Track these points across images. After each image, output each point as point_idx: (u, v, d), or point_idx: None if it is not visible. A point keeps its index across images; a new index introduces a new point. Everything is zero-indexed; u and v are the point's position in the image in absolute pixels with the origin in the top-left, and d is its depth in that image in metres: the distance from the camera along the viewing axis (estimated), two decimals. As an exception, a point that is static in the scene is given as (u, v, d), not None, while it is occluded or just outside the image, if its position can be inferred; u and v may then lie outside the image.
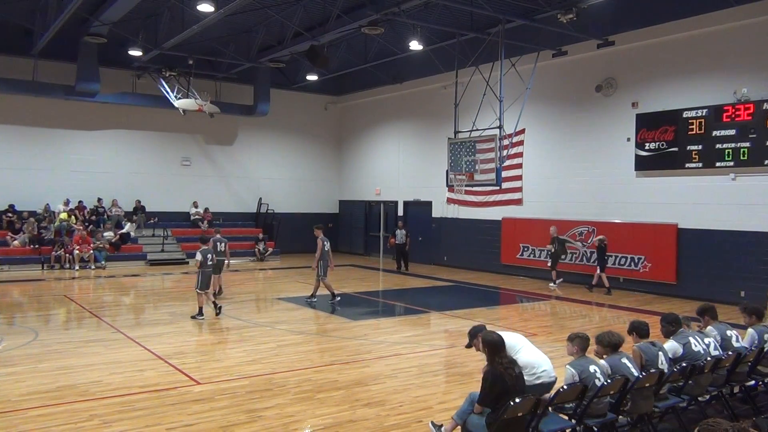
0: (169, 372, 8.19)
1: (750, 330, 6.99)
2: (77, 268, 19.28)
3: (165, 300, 14.66)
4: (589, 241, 16.76)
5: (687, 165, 14.87)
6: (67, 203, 21.16)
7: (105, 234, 20.71)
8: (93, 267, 19.59)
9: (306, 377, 7.97)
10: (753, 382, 6.79)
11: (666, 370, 5.81)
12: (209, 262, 12.04)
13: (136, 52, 19.52)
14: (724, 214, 14.37)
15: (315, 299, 13.85)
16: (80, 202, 21.55)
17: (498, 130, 15.06)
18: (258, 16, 18.00)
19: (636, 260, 16.01)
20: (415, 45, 17.82)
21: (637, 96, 16.05)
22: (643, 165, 15.82)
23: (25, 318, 12.50)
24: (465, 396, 5.54)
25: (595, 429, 5.53)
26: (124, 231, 21.35)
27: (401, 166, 23.89)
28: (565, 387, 5.17)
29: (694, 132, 14.70)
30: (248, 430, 6.12)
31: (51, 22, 16.35)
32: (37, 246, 19.45)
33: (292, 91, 25.07)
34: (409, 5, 14.65)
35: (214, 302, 12.07)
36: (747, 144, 13.82)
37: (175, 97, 20.68)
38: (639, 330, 6.14)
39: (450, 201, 21.14)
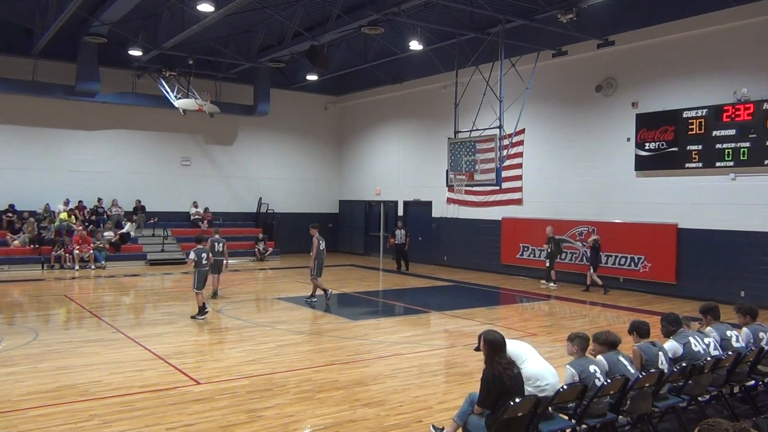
0: (169, 372, 8.19)
1: (744, 329, 7.01)
2: (77, 268, 19.28)
3: (165, 300, 14.66)
4: (588, 241, 16.75)
5: (687, 165, 14.88)
6: (67, 203, 21.16)
7: (105, 234, 20.71)
8: (93, 267, 19.59)
9: (306, 377, 7.97)
10: (753, 382, 6.80)
11: (666, 370, 5.81)
12: (204, 261, 12.04)
13: (136, 52, 19.53)
14: (724, 214, 14.37)
15: (315, 299, 13.84)
16: (80, 202, 21.55)
17: (498, 130, 15.06)
18: (258, 16, 18.00)
19: (636, 260, 16.01)
20: (415, 45, 17.83)
21: (637, 96, 16.05)
22: (643, 165, 15.82)
23: (25, 318, 12.50)
24: (465, 396, 5.54)
25: (596, 427, 5.53)
26: (124, 231, 21.35)
27: (401, 166, 23.90)
28: (565, 387, 5.17)
29: (694, 132, 14.70)
30: (248, 430, 6.12)
31: (51, 22, 16.35)
32: (37, 246, 19.45)
33: (292, 91, 25.07)
34: (409, 5, 14.65)
35: (204, 304, 11.98)
36: (747, 144, 13.82)
37: (175, 97, 20.68)
38: (639, 330, 6.15)
39: (450, 201, 21.14)
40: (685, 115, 14.86)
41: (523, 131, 17.99)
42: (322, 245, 13.78)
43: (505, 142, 15.55)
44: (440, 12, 16.50)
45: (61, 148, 21.50)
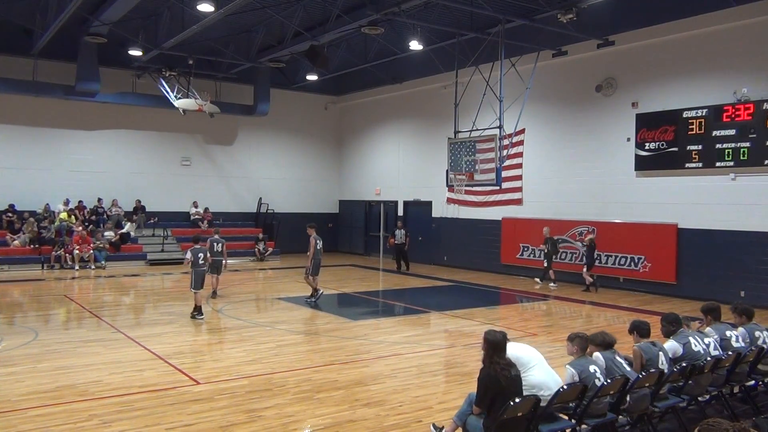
0: (168, 372, 8.18)
1: (740, 329, 7.02)
2: (77, 268, 19.28)
3: (165, 300, 14.65)
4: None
5: (687, 165, 14.87)
6: (67, 203, 21.16)
7: (105, 234, 20.71)
8: (93, 267, 19.59)
9: (305, 377, 7.97)
10: (753, 382, 6.80)
11: (666, 370, 5.81)
12: (201, 262, 12.04)
13: (136, 52, 19.53)
14: (724, 214, 14.36)
15: (315, 299, 13.83)
16: (80, 202, 21.55)
17: (498, 130, 15.06)
18: (258, 16, 18.00)
19: (636, 260, 16.00)
20: (415, 45, 17.83)
21: (637, 96, 16.05)
22: (643, 165, 15.81)
23: (25, 318, 12.50)
24: (465, 396, 5.54)
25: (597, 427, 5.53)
26: (124, 231, 21.35)
27: (401, 166, 23.89)
28: (565, 387, 5.16)
29: (694, 132, 14.70)
30: (248, 430, 6.12)
31: (51, 22, 16.35)
32: (37, 246, 19.45)
33: (292, 91, 25.07)
34: (409, 5, 14.64)
35: (199, 306, 11.95)
36: (747, 144, 13.81)
37: (175, 97, 20.68)
38: (640, 329, 6.15)
39: (450, 201, 21.13)
40: (685, 115, 14.86)
41: (523, 131, 17.99)
42: (319, 245, 13.79)
43: (505, 142, 15.55)
44: (440, 12, 16.50)
45: (61, 148, 21.50)
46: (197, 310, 11.83)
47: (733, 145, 14.04)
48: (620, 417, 5.69)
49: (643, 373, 5.61)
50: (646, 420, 5.83)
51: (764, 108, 13.52)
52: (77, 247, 19.51)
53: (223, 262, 14.31)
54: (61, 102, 20.90)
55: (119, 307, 14.07)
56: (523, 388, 5.18)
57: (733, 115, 14.02)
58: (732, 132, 14.04)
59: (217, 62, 21.89)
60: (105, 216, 21.79)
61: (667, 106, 15.31)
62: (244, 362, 8.72)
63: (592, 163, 17.13)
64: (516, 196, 19.10)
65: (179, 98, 20.65)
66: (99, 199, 21.97)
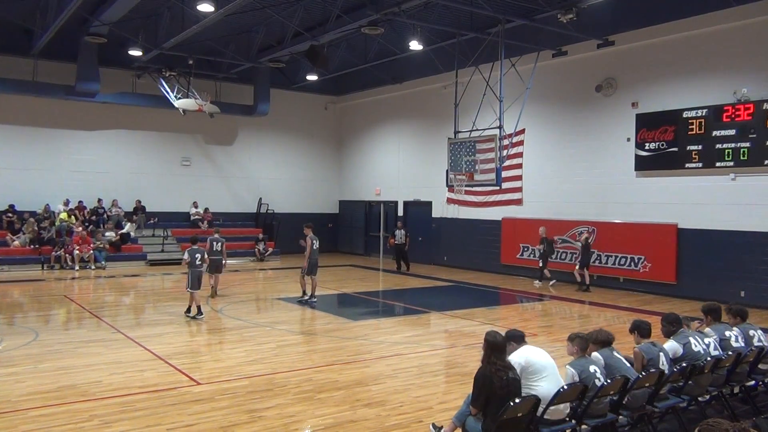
0: (169, 372, 8.19)
1: (735, 329, 7.03)
2: (77, 268, 19.29)
3: (165, 300, 14.65)
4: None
5: (687, 165, 14.88)
6: (67, 203, 21.16)
7: (106, 234, 20.72)
8: (93, 267, 19.59)
9: (306, 377, 7.98)
10: (753, 382, 6.81)
11: (666, 371, 5.82)
12: (198, 262, 12.05)
13: (136, 52, 19.53)
14: (724, 214, 14.37)
15: (315, 299, 13.84)
16: (80, 202, 21.55)
17: (498, 130, 15.06)
18: (258, 16, 18.00)
19: (636, 260, 16.01)
20: (415, 45, 17.83)
21: (637, 96, 16.06)
22: (643, 165, 15.82)
23: (26, 318, 12.50)
24: (465, 396, 5.54)
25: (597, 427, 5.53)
26: (124, 231, 21.35)
27: (401, 166, 23.90)
28: (565, 387, 5.17)
29: (694, 132, 14.70)
30: (249, 431, 6.12)
31: (51, 22, 16.35)
32: (37, 246, 19.45)
33: (292, 91, 25.07)
34: (409, 5, 14.65)
35: (199, 307, 11.97)
36: (747, 144, 13.82)
37: (175, 97, 20.69)
38: (641, 329, 6.15)
39: (450, 201, 21.14)
40: (685, 115, 14.87)
41: (523, 131, 17.99)
42: (316, 245, 13.80)
43: (505, 142, 15.55)
44: (440, 12, 16.50)
45: (61, 148, 21.50)
46: (197, 310, 11.83)
47: (733, 145, 14.05)
48: (620, 417, 5.69)
49: (644, 373, 5.61)
50: (646, 420, 5.84)
51: (764, 108, 13.53)
52: (77, 247, 19.52)
53: (223, 261, 14.36)
54: (61, 102, 20.90)
55: (119, 308, 14.08)
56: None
57: (733, 115, 14.02)
58: (732, 132, 14.05)
59: (217, 62, 21.89)
60: (105, 216, 21.79)
61: (667, 106, 15.32)
62: (244, 362, 8.73)
63: (592, 163, 17.14)
64: (516, 196, 19.11)
65: (179, 98, 20.66)
66: (99, 200, 21.97)
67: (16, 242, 19.58)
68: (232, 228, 23.39)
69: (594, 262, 16.64)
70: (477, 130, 15.63)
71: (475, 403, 5.11)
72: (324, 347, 9.92)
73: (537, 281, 17.15)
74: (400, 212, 23.63)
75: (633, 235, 16.03)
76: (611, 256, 16.49)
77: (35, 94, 20.23)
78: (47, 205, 21.00)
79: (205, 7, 14.71)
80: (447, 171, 16.36)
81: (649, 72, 15.86)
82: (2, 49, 19.53)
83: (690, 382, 6.01)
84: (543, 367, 5.32)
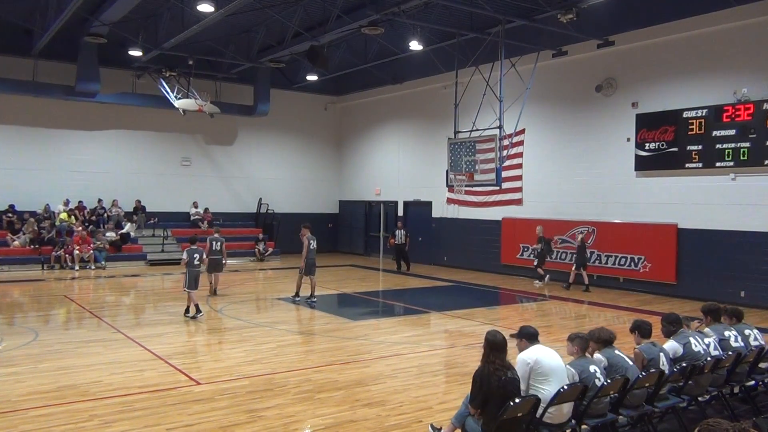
0: (169, 372, 8.19)
1: (733, 329, 7.04)
2: (77, 268, 19.29)
3: (165, 300, 14.64)
4: (589, 241, 16.79)
5: (687, 165, 14.88)
6: (67, 203, 21.16)
7: (107, 234, 20.72)
8: (93, 267, 19.59)
9: (306, 377, 7.98)
10: (753, 382, 6.81)
11: (667, 371, 5.82)
12: (196, 262, 12.07)
13: (136, 52, 19.53)
14: (724, 214, 14.37)
15: (315, 299, 13.85)
16: (80, 202, 21.55)
17: (498, 130, 15.07)
18: (258, 16, 18.00)
19: (636, 260, 16.01)
20: (415, 45, 17.83)
21: (637, 96, 16.06)
22: (643, 165, 15.82)
23: (26, 318, 12.50)
24: (464, 396, 5.53)
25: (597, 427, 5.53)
26: (124, 231, 21.35)
27: (401, 166, 23.90)
28: (565, 387, 5.17)
29: (694, 132, 14.70)
30: (248, 430, 6.13)
31: (51, 22, 16.35)
32: (37, 246, 19.45)
33: (292, 91, 25.07)
34: (409, 5, 14.65)
35: (197, 305, 12.02)
36: (747, 144, 13.82)
37: (175, 97, 20.68)
38: (641, 329, 6.15)
39: (450, 201, 21.14)
40: (685, 115, 14.87)
41: (523, 131, 17.99)
42: (313, 245, 13.81)
43: (505, 142, 15.55)
44: (440, 12, 16.50)
45: (61, 148, 21.50)
46: (196, 309, 11.86)
47: (733, 145, 14.04)
48: (620, 417, 5.69)
49: (644, 373, 5.61)
50: (646, 420, 5.84)
51: (764, 108, 13.53)
52: (77, 247, 19.52)
53: (223, 261, 14.38)
54: (61, 102, 20.90)
55: (119, 308, 14.08)
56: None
57: (733, 115, 14.02)
58: (732, 132, 14.05)
59: (217, 62, 21.89)
60: (105, 216, 21.78)
61: (667, 106, 15.32)
62: (244, 362, 8.73)
63: (592, 163, 17.14)
64: (516, 196, 19.11)
65: (179, 98, 20.66)
66: (99, 200, 21.97)
67: (16, 242, 19.59)
68: (232, 228, 23.39)
69: (594, 262, 16.67)
70: (477, 130, 15.63)
71: (473, 403, 5.10)
72: (324, 347, 9.92)
73: (537, 281, 17.17)
74: (400, 212, 23.63)
75: (633, 235, 16.03)
76: (611, 256, 16.49)
77: (35, 94, 20.22)
78: (47, 205, 21.00)
79: (205, 7, 14.71)
80: (447, 171, 16.37)
81: (649, 72, 15.86)
82: (2, 49, 19.53)
83: (690, 382, 6.01)
84: (551, 371, 5.20)
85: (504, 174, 16.06)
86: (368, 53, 20.40)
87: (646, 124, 15.65)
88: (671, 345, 6.27)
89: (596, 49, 16.68)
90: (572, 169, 17.63)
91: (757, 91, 13.73)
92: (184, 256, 12.15)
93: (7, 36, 19.24)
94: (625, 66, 16.37)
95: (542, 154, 18.45)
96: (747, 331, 6.99)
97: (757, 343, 6.87)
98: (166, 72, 20.98)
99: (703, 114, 14.56)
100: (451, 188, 17.42)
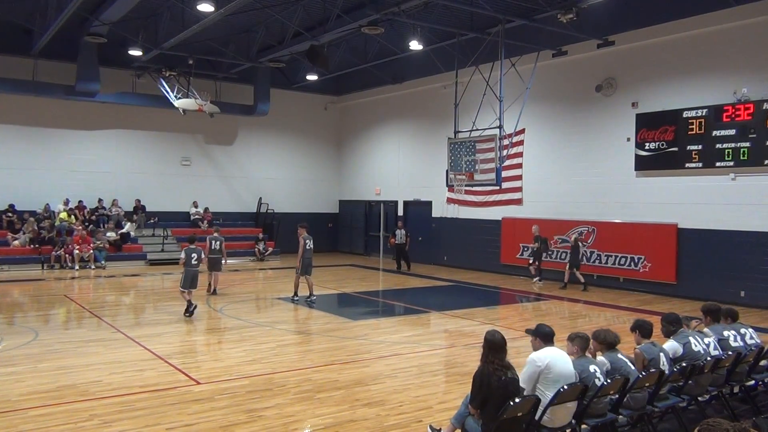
0: (169, 372, 8.19)
1: (732, 329, 7.04)
2: (77, 268, 19.28)
3: (165, 300, 14.64)
4: (589, 241, 16.80)
5: (687, 165, 14.88)
6: (66, 203, 21.16)
7: (107, 234, 20.72)
8: (93, 267, 19.59)
9: (306, 377, 7.97)
10: (753, 382, 6.81)
11: (667, 371, 5.82)
12: (194, 261, 12.09)
13: (136, 52, 19.53)
14: (724, 214, 14.37)
15: (314, 297, 13.86)
16: (80, 201, 21.55)
17: (498, 130, 15.07)
18: (258, 16, 18.00)
19: (636, 260, 16.01)
20: (415, 45, 17.82)
21: (637, 96, 16.05)
22: (643, 165, 15.82)
23: (25, 318, 12.50)
24: (464, 396, 5.53)
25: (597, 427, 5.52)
26: (124, 231, 21.35)
27: (401, 166, 23.90)
28: (565, 387, 5.16)
29: (694, 132, 14.70)
30: (248, 430, 6.12)
31: (51, 22, 16.35)
32: (37, 246, 19.45)
33: (292, 91, 25.07)
34: (409, 5, 14.65)
35: (189, 301, 12.04)
36: (747, 144, 13.82)
37: (175, 97, 20.68)
38: (642, 329, 6.14)
39: (450, 201, 21.14)
40: (685, 115, 14.86)
41: (523, 131, 17.99)
42: (309, 244, 13.81)
43: (505, 142, 15.55)
44: (440, 12, 16.49)
45: (61, 148, 21.50)
46: (188, 304, 11.89)
47: (733, 145, 14.04)
48: (620, 417, 5.69)
49: (644, 373, 5.61)
50: (646, 420, 5.83)
51: (764, 108, 13.52)
52: (77, 247, 19.52)
53: (223, 260, 14.39)
54: (61, 102, 20.90)
55: (119, 307, 14.07)
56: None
57: (733, 115, 14.02)
58: (732, 132, 14.04)
59: (217, 62, 21.89)
60: (106, 216, 21.78)
61: (667, 106, 15.32)
62: (244, 362, 8.72)
63: (591, 163, 17.14)
64: (516, 196, 19.11)
65: (179, 98, 20.66)
66: (100, 200, 21.97)
67: (16, 242, 19.59)
68: (232, 228, 23.40)
69: (594, 261, 16.69)
70: (477, 130, 15.63)
71: (473, 403, 5.09)
72: (323, 347, 9.92)
73: (537, 281, 17.17)
74: (400, 212, 23.63)
75: (633, 235, 16.03)
76: (611, 256, 16.49)
77: (35, 94, 20.22)
78: (47, 204, 21.00)
79: (205, 7, 14.71)
80: (447, 171, 16.37)
81: (649, 72, 15.85)
82: (2, 49, 19.53)
83: (690, 381, 6.01)
84: (561, 378, 5.11)
85: (504, 174, 16.07)
86: (368, 53, 20.40)
87: (646, 123, 15.65)
88: (671, 345, 6.27)
89: (596, 49, 16.67)
90: (572, 169, 17.63)
91: (757, 91, 13.72)
92: (182, 255, 12.20)
93: (7, 36, 19.24)
94: (625, 66, 16.37)
95: (542, 154, 18.44)
96: (743, 330, 7.00)
97: (753, 341, 6.87)
98: (166, 72, 20.98)
99: (703, 114, 14.56)
100: (451, 188, 17.42)
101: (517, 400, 4.83)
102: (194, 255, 12.15)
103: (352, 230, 26.66)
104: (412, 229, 21.96)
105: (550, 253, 17.47)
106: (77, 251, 19.44)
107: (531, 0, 14.77)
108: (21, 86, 19.82)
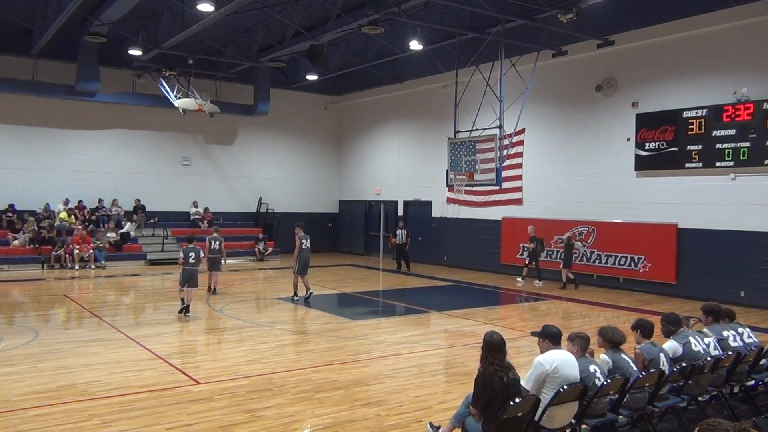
0: (168, 372, 8.18)
1: (731, 330, 7.04)
2: (77, 267, 19.28)
3: (165, 300, 14.63)
4: (589, 241, 16.79)
5: (687, 165, 14.87)
6: (66, 203, 21.16)
7: (107, 233, 20.72)
8: (93, 267, 19.59)
9: (305, 377, 7.97)
10: (753, 382, 6.81)
11: (667, 371, 5.81)
12: (191, 260, 12.10)
13: (136, 52, 19.53)
14: (724, 214, 14.36)
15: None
16: (80, 201, 21.54)
17: (498, 129, 15.07)
18: (258, 16, 18.00)
19: (636, 260, 16.00)
20: (415, 45, 17.82)
21: (637, 96, 16.05)
22: (643, 165, 15.81)
23: (25, 318, 12.50)
24: (464, 396, 5.53)
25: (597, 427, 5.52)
26: (124, 230, 21.35)
27: (401, 166, 23.89)
28: (565, 387, 5.16)
29: (694, 132, 14.70)
30: (248, 430, 6.12)
31: (51, 22, 16.35)
32: (37, 246, 19.45)
33: (292, 91, 25.07)
34: (409, 5, 14.65)
35: (182, 299, 12.05)
36: (747, 144, 13.81)
37: (175, 96, 20.68)
38: (643, 329, 6.13)
39: (450, 201, 21.13)
40: (685, 115, 14.86)
41: (523, 131, 17.99)
42: (306, 244, 13.84)
43: (505, 142, 15.55)
44: (440, 12, 16.49)
45: (61, 148, 21.49)
46: (181, 302, 11.91)
47: (733, 145, 14.04)
48: (620, 417, 5.69)
49: (644, 373, 5.61)
50: (646, 420, 5.83)
51: (764, 108, 13.52)
52: (77, 246, 19.51)
53: (222, 260, 14.40)
54: (61, 102, 20.89)
55: (119, 307, 14.07)
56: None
57: (733, 115, 14.01)
58: (732, 132, 14.04)
59: (217, 62, 21.89)
60: (106, 216, 21.77)
61: (667, 106, 15.31)
62: (244, 362, 8.72)
63: (591, 163, 17.13)
64: (516, 196, 19.10)
65: (179, 98, 20.66)
66: (100, 200, 21.97)
67: (16, 242, 19.58)
68: (232, 228, 23.40)
69: (594, 261, 16.69)
70: (477, 129, 15.63)
71: (476, 404, 5.08)
72: (323, 347, 9.91)
73: (537, 281, 17.18)
74: (400, 212, 23.63)
75: (633, 235, 16.02)
76: (611, 256, 16.49)
77: (35, 93, 20.22)
78: (47, 204, 21.00)
79: (205, 7, 14.70)
80: (447, 171, 16.36)
81: (649, 72, 15.85)
82: (2, 49, 19.52)
83: (690, 381, 6.01)
84: (567, 382, 5.09)
85: (504, 174, 16.06)
86: (368, 53, 20.39)
87: (646, 123, 15.64)
88: (671, 345, 6.26)
89: (596, 49, 16.67)
90: (572, 168, 17.62)
91: (757, 91, 13.72)
92: (181, 254, 12.23)
93: (7, 36, 19.24)
94: (624, 66, 16.36)
95: (542, 153, 18.44)
96: (740, 330, 7.00)
97: (751, 340, 6.87)
98: (166, 71, 20.98)
99: (703, 114, 14.56)
100: (451, 188, 17.42)
101: (517, 400, 4.82)
102: (191, 254, 12.17)
103: (352, 230, 26.66)
104: (412, 229, 21.96)
105: (549, 252, 17.49)
106: (77, 251, 19.44)
107: (531, 0, 14.77)
108: (21, 86, 19.82)
